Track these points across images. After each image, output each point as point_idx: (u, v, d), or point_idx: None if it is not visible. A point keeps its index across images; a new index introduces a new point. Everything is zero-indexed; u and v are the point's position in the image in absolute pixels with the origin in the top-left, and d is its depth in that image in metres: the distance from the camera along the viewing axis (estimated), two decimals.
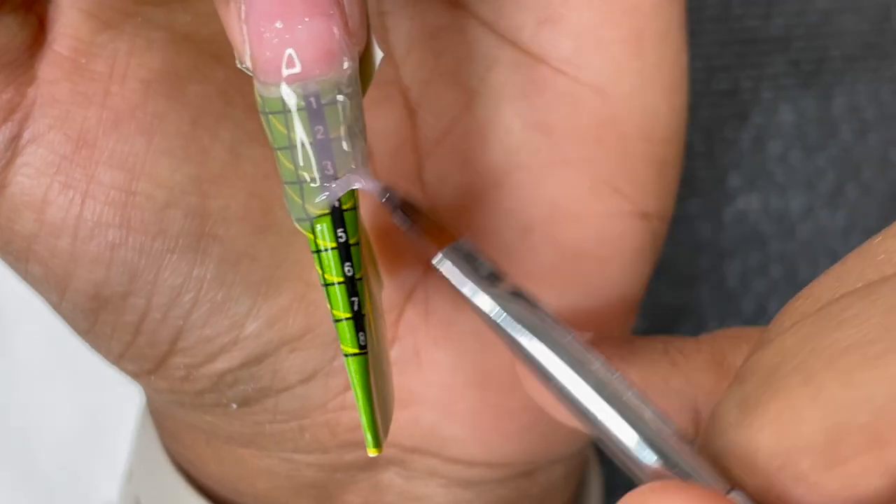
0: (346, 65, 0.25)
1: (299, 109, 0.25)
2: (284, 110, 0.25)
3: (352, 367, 0.27)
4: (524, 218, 0.31)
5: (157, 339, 0.30)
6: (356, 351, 0.27)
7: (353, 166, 0.26)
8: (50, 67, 0.28)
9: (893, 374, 0.21)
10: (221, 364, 0.30)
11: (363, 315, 0.27)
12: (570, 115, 0.31)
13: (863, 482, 0.21)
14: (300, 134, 0.26)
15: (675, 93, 0.31)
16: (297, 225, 0.27)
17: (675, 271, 0.47)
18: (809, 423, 0.21)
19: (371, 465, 0.33)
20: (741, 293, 0.47)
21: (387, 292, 0.30)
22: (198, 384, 0.31)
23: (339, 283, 0.27)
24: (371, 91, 0.31)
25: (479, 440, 0.32)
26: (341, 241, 0.26)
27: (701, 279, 0.47)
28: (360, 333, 0.27)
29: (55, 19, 0.28)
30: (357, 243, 0.27)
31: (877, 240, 0.24)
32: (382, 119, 0.31)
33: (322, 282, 0.27)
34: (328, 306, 0.27)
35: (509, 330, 0.25)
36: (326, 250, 0.26)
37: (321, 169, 0.26)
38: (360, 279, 0.27)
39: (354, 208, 0.27)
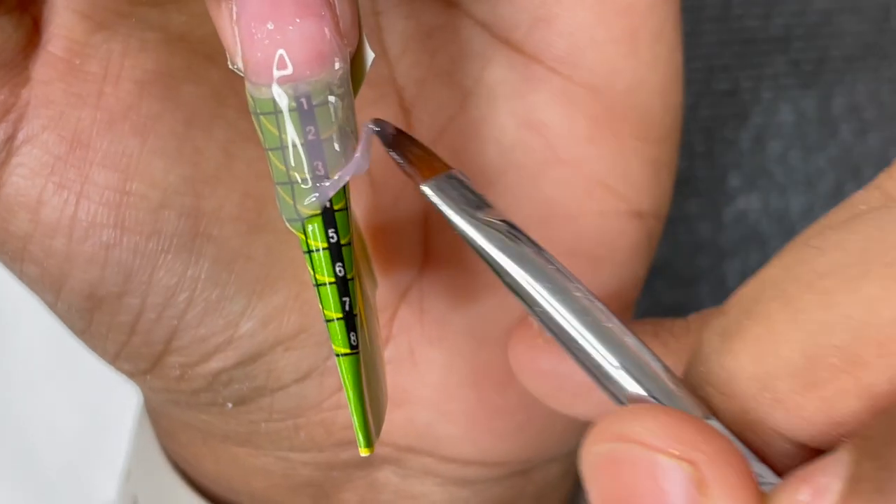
0: (337, 66, 0.25)
1: (290, 110, 0.25)
2: (276, 111, 0.25)
3: (343, 368, 0.27)
4: (519, 217, 0.31)
5: (152, 338, 0.30)
6: (347, 351, 0.27)
7: (344, 167, 0.26)
8: (44, 68, 0.28)
9: (871, 295, 0.21)
10: (216, 363, 0.30)
11: (355, 315, 0.27)
12: (564, 115, 0.31)
13: (840, 404, 0.21)
14: (291, 135, 0.26)
15: (669, 92, 0.31)
16: (288, 225, 0.27)
17: (675, 271, 0.47)
18: (788, 345, 0.21)
19: (367, 463, 0.33)
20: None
21: (381, 291, 0.31)
22: (193, 383, 0.31)
23: (331, 283, 0.27)
24: (366, 90, 0.31)
25: (474, 439, 0.32)
26: (332, 241, 0.26)
27: (701, 279, 0.47)
28: (352, 333, 0.27)
29: (49, 20, 0.28)
30: (348, 244, 0.27)
31: (859, 193, 0.24)
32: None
33: (314, 282, 0.27)
34: (319, 306, 0.27)
35: (494, 256, 0.25)
36: (318, 251, 0.27)
37: (312, 169, 0.26)
38: (352, 279, 0.27)
39: (346, 209, 0.27)
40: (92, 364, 0.32)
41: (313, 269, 0.27)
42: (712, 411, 0.23)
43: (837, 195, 0.47)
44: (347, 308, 0.27)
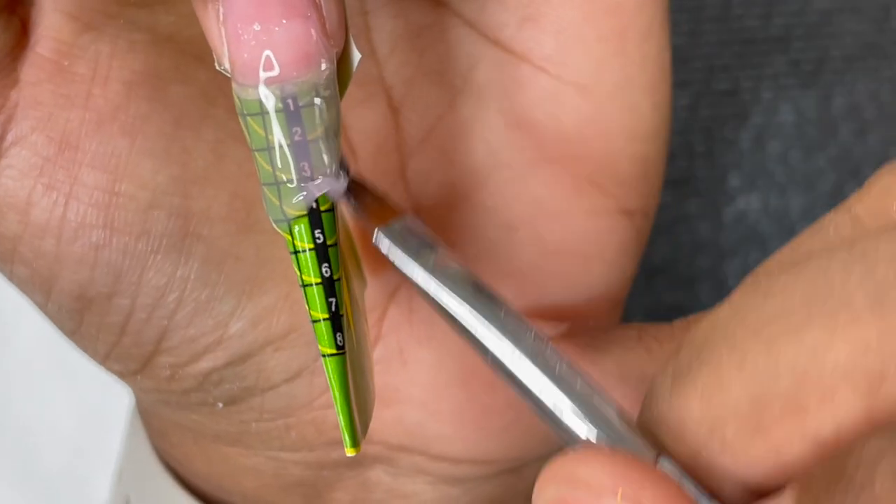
0: (323, 67, 0.25)
1: (277, 111, 0.25)
2: (262, 112, 0.26)
3: (329, 368, 0.27)
4: (508, 216, 0.31)
5: (142, 339, 0.30)
6: (334, 351, 0.27)
7: (330, 168, 0.26)
8: (32, 70, 0.28)
9: (812, 344, 0.21)
10: (206, 363, 0.30)
11: (341, 315, 0.27)
12: (552, 113, 0.31)
13: (785, 449, 0.21)
14: (278, 136, 0.26)
15: (657, 90, 0.31)
16: (275, 226, 0.27)
17: (675, 271, 0.47)
18: (734, 391, 0.21)
19: (358, 463, 0.33)
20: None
21: (370, 291, 0.31)
22: (183, 383, 0.31)
23: (317, 283, 0.27)
24: (354, 90, 0.31)
25: (464, 437, 0.32)
26: (319, 242, 0.27)
27: (701, 279, 0.47)
28: (338, 334, 0.27)
29: (37, 22, 0.28)
30: (335, 244, 0.27)
31: (830, 215, 0.24)
32: (366, 118, 0.31)
33: (300, 282, 0.27)
34: (306, 307, 0.27)
35: (444, 302, 0.25)
36: (304, 251, 0.27)
37: (298, 170, 0.26)
38: (339, 280, 0.27)
39: (332, 209, 0.27)
40: (91, 364, 0.32)
41: (300, 269, 0.27)
42: (666, 453, 0.23)
43: (837, 195, 0.47)
44: (334, 308, 0.27)
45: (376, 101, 0.32)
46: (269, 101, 0.25)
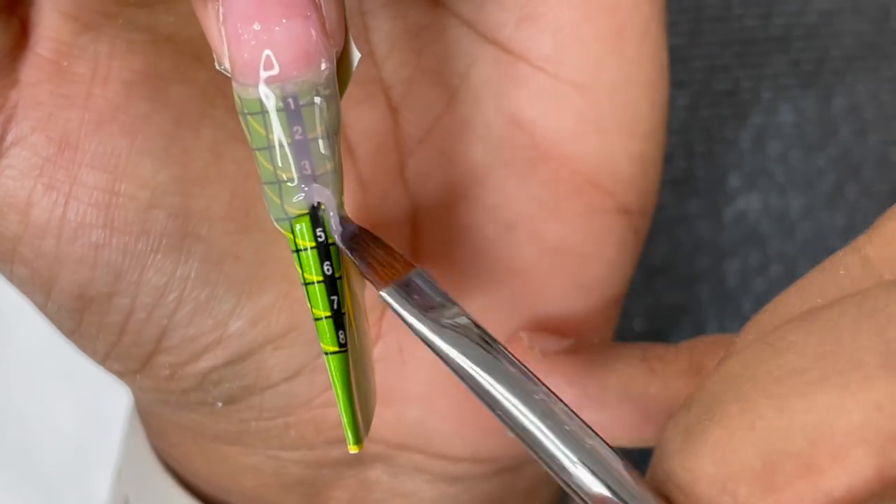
0: (323, 66, 0.26)
1: (278, 110, 0.25)
2: (263, 111, 0.26)
3: (332, 366, 0.27)
4: (507, 214, 0.31)
5: (141, 338, 0.30)
6: (336, 349, 0.27)
7: (330, 166, 0.26)
8: (32, 70, 0.28)
9: (824, 404, 0.21)
10: (206, 363, 0.30)
11: (343, 313, 0.27)
12: (551, 112, 0.31)
13: None
14: (278, 134, 0.26)
15: (655, 89, 0.31)
16: (276, 225, 0.27)
17: (675, 271, 0.47)
18: (746, 450, 0.22)
19: (357, 461, 0.33)
20: (741, 293, 0.47)
21: (369, 290, 0.31)
22: (183, 383, 0.31)
23: (319, 281, 0.27)
24: (353, 90, 0.31)
25: (464, 436, 0.32)
26: (320, 240, 0.27)
27: (701, 279, 0.47)
28: (340, 332, 0.27)
29: (37, 22, 0.28)
30: (335, 242, 0.27)
31: (839, 254, 0.24)
32: (364, 118, 0.31)
33: (302, 281, 0.27)
34: (308, 305, 0.27)
35: (456, 360, 0.26)
36: (305, 249, 0.27)
37: (299, 169, 0.26)
38: (340, 278, 0.27)
39: None
40: (91, 364, 0.32)
41: (301, 267, 0.27)
42: None
43: (837, 195, 0.47)
44: (335, 306, 0.27)
45: (375, 101, 0.32)
46: (270, 100, 0.25)
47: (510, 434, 0.25)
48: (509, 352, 0.26)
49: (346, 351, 0.27)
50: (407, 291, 0.26)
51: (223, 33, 0.25)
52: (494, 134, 0.31)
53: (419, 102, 0.32)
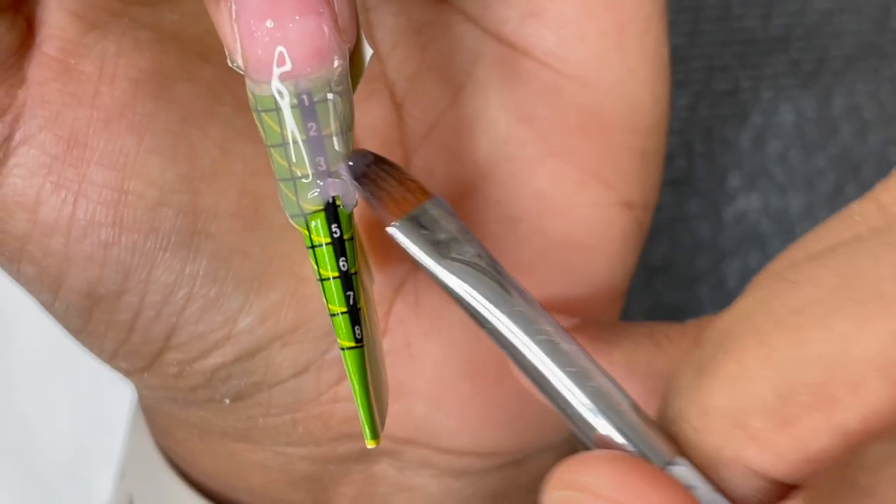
0: (336, 62, 0.26)
1: (292, 107, 0.26)
2: (277, 108, 0.26)
3: (349, 361, 0.27)
4: (512, 209, 0.32)
5: (150, 336, 0.30)
6: (353, 344, 0.27)
7: (345, 163, 0.26)
8: (39, 69, 0.28)
9: (841, 333, 0.21)
10: (214, 359, 0.30)
11: (359, 309, 0.27)
12: (555, 107, 0.31)
13: (813, 441, 0.21)
14: (293, 131, 0.26)
15: (657, 84, 0.32)
16: (291, 221, 0.27)
17: (675, 271, 0.47)
18: (760, 383, 0.21)
19: (364, 456, 0.33)
20: (741, 293, 0.47)
21: (377, 286, 0.31)
22: (191, 380, 0.31)
23: (335, 277, 0.27)
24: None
25: (470, 430, 0.32)
26: (336, 236, 0.27)
27: (701, 279, 0.47)
28: (356, 327, 0.27)
29: (43, 21, 0.28)
30: (351, 238, 0.27)
31: (854, 204, 0.24)
32: (369, 114, 0.32)
33: (317, 277, 0.27)
34: (324, 301, 0.27)
35: (463, 296, 0.25)
36: (321, 245, 0.27)
37: (314, 165, 0.26)
38: (355, 273, 0.27)
39: None
40: (93, 363, 0.32)
41: (317, 264, 0.27)
42: (686, 447, 0.23)
43: (837, 195, 0.47)
44: (352, 302, 0.27)
45: (379, 98, 0.32)
46: (284, 96, 0.26)
47: (517, 369, 0.25)
48: (520, 286, 0.25)
49: (362, 346, 0.27)
50: (416, 225, 0.26)
51: (236, 31, 0.25)
52: (499, 129, 0.31)
53: (423, 98, 0.32)
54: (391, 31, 0.32)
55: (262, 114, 0.26)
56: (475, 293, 0.25)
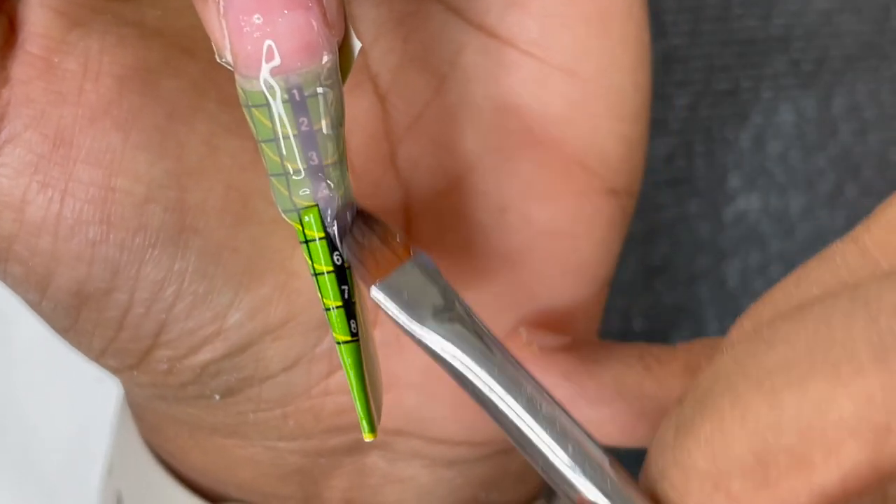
0: (325, 57, 0.26)
1: (283, 102, 0.25)
2: (267, 103, 0.26)
3: (345, 355, 0.27)
4: (499, 198, 0.32)
5: (140, 333, 0.30)
6: (348, 338, 0.27)
7: (337, 156, 0.26)
8: (23, 67, 0.28)
9: (816, 396, 0.21)
10: (204, 355, 0.30)
11: (353, 302, 0.27)
12: (539, 96, 0.31)
13: (793, 502, 0.21)
14: (285, 126, 0.26)
15: (639, 70, 0.32)
16: (284, 216, 0.27)
17: (675, 271, 0.47)
18: (738, 445, 0.21)
19: (355, 449, 0.33)
20: (741, 293, 0.47)
21: None
22: (181, 377, 0.31)
23: (329, 272, 0.27)
24: None
25: (460, 420, 0.32)
26: (330, 230, 0.27)
27: (701, 279, 0.47)
28: (352, 321, 0.27)
29: (25, 19, 0.28)
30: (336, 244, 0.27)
31: (837, 244, 0.24)
32: (353, 107, 0.32)
33: (311, 271, 0.27)
34: (318, 296, 0.27)
35: (445, 357, 0.25)
36: (314, 240, 0.27)
37: (306, 160, 0.26)
38: (349, 268, 0.27)
39: None
40: (92, 363, 0.32)
41: (311, 259, 0.27)
42: None
43: (837, 195, 0.47)
44: (346, 296, 0.27)
45: (363, 90, 0.32)
46: (275, 91, 0.25)
47: (500, 428, 0.25)
48: (501, 344, 0.25)
49: (358, 340, 0.27)
50: (397, 287, 0.26)
51: (224, 26, 0.25)
52: (484, 119, 0.32)
53: (407, 90, 0.32)
54: (373, 22, 0.32)
55: (253, 109, 0.26)
56: (459, 354, 0.25)
